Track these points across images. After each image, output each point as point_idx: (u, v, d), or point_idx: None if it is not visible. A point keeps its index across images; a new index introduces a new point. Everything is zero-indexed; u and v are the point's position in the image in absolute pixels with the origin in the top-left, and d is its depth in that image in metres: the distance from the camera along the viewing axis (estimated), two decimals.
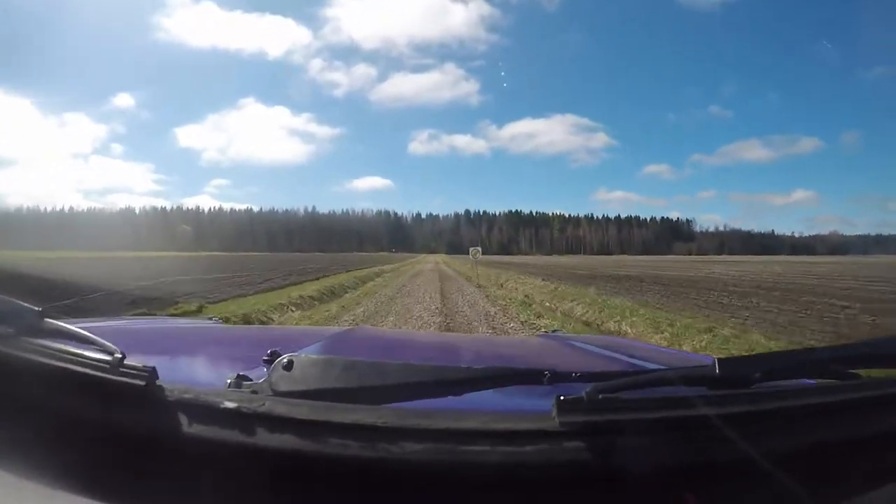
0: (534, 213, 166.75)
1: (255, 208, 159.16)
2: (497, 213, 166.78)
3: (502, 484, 0.48)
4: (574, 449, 0.47)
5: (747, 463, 0.47)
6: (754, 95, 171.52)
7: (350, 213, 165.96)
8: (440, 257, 74.07)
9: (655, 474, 0.47)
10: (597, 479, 0.48)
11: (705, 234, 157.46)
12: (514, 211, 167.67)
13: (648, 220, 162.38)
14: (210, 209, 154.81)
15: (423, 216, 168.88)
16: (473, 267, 20.71)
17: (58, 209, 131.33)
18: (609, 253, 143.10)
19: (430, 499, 0.49)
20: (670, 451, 0.48)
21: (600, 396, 0.49)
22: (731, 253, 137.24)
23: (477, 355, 1.28)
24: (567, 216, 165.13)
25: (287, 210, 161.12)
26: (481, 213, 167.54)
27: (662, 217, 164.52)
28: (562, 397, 0.48)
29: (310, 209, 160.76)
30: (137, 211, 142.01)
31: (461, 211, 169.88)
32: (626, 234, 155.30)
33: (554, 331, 2.75)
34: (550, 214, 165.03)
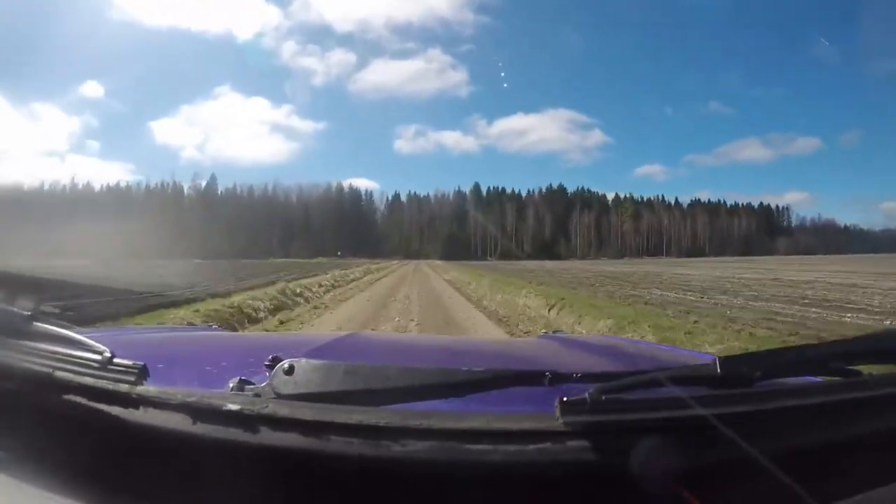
0: (587, 192, 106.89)
1: (123, 183, 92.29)
2: (528, 192, 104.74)
3: (505, 483, 0.48)
4: (577, 449, 0.47)
5: (751, 462, 0.47)
6: (756, 90, 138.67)
7: (273, 191, 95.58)
8: (430, 266, 31.69)
9: (659, 474, 0.47)
10: (600, 479, 0.48)
11: (800, 228, 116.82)
12: (556, 187, 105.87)
13: (740, 206, 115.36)
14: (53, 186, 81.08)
15: (403, 199, 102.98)
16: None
17: None
18: (701, 253, 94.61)
19: (433, 497, 0.48)
20: (674, 451, 0.48)
21: (603, 397, 0.49)
22: (838, 251, 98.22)
23: (477, 357, 1.25)
24: (641, 199, 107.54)
25: (175, 182, 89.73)
26: (500, 189, 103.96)
27: (750, 204, 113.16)
28: (565, 398, 0.48)
29: (205, 185, 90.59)
30: None
31: (467, 188, 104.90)
32: (718, 227, 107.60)
33: (555, 331, 2.68)
34: (619, 196, 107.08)
